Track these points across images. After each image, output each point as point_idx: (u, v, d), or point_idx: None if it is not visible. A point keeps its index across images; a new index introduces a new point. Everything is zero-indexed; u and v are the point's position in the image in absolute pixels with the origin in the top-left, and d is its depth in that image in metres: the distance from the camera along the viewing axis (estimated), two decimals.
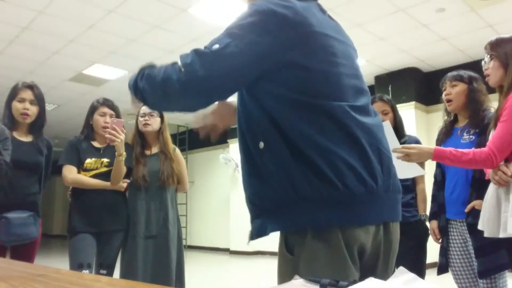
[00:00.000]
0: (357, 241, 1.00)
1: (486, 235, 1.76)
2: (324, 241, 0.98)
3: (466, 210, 1.99)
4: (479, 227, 1.82)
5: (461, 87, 2.15)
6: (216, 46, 1.02)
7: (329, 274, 0.95)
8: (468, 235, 2.03)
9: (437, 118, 6.08)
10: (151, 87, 1.10)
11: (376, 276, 1.04)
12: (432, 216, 2.27)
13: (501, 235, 1.67)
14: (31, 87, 2.45)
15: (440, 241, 2.23)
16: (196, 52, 1.04)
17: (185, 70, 1.03)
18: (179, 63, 1.06)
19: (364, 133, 1.04)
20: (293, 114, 1.02)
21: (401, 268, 0.60)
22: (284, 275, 1.02)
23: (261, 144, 1.05)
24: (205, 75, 1.02)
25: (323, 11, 1.19)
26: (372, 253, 1.05)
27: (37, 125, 2.48)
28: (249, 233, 1.11)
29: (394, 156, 1.86)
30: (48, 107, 8.32)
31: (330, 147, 1.00)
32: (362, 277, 1.00)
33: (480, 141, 1.95)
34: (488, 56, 1.87)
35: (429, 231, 2.32)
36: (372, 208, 1.02)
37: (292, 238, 1.02)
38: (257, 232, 1.07)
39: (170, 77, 1.05)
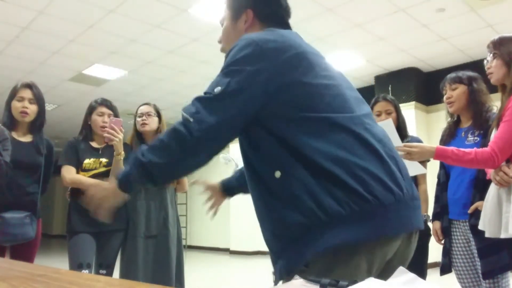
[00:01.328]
0: (387, 253, 0.97)
1: (487, 235, 1.76)
2: (363, 255, 0.94)
3: (469, 211, 1.99)
4: (480, 227, 1.81)
5: (461, 89, 2.15)
6: (218, 88, 1.01)
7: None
8: (471, 236, 2.03)
9: (437, 118, 6.09)
10: (160, 154, 1.03)
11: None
12: (435, 217, 2.27)
13: (503, 235, 1.67)
14: (30, 86, 2.45)
15: (442, 241, 2.22)
16: (199, 100, 1.02)
17: (194, 120, 1.00)
18: (184, 115, 1.02)
19: (377, 142, 1.03)
20: (306, 132, 0.99)
21: (401, 268, 0.60)
22: None
23: (277, 173, 1.00)
24: (216, 120, 0.99)
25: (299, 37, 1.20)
26: (396, 263, 1.01)
27: (36, 125, 2.48)
28: (275, 276, 1.02)
29: None
30: (48, 107, 8.32)
31: (351, 159, 0.97)
32: None
33: (485, 142, 1.94)
34: (491, 54, 1.87)
35: (431, 232, 2.32)
36: (402, 216, 0.99)
37: (316, 259, 0.94)
38: (287, 272, 0.97)
39: (180, 134, 1.00)
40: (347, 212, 0.92)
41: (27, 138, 2.44)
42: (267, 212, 1.05)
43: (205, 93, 1.03)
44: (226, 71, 1.04)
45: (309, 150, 0.98)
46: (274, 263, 1.04)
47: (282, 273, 0.99)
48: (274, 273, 1.03)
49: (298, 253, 0.95)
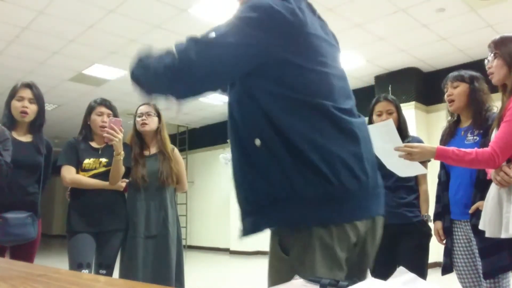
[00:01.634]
0: (350, 237, 1.02)
1: (487, 235, 1.76)
2: (320, 239, 0.99)
3: (470, 211, 1.99)
4: (480, 227, 1.81)
5: (462, 87, 2.15)
6: (213, 34, 1.03)
7: (325, 272, 0.97)
8: (473, 236, 2.03)
9: (437, 118, 6.09)
10: (145, 74, 1.10)
11: (362, 268, 1.12)
12: (436, 217, 2.27)
13: (503, 235, 1.67)
14: (30, 86, 2.46)
15: (444, 242, 2.23)
16: (192, 39, 1.04)
17: (179, 56, 1.03)
18: (174, 50, 1.05)
19: (354, 130, 1.07)
20: (288, 111, 1.03)
21: (401, 268, 0.60)
22: (279, 276, 1.01)
23: (257, 141, 1.05)
24: (197, 60, 1.02)
25: (313, 11, 1.22)
26: (360, 246, 1.07)
27: (36, 124, 2.48)
28: (241, 230, 1.11)
29: (396, 154, 1.87)
30: (48, 107, 8.32)
31: (324, 143, 1.01)
32: (349, 270, 1.05)
33: (485, 142, 1.94)
34: (492, 54, 1.87)
35: (432, 231, 2.32)
36: (365, 202, 1.05)
37: (287, 238, 1.03)
38: (252, 229, 1.07)
39: (164, 64, 1.04)
40: (311, 193, 0.99)
41: (27, 138, 2.44)
42: (242, 177, 1.11)
43: (201, 35, 1.05)
44: (229, 22, 1.05)
45: (288, 128, 1.02)
46: (242, 219, 1.11)
47: (248, 228, 1.08)
48: (241, 229, 1.10)
49: (265, 216, 1.05)
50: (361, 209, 1.04)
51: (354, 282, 0.57)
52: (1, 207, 2.27)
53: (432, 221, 2.34)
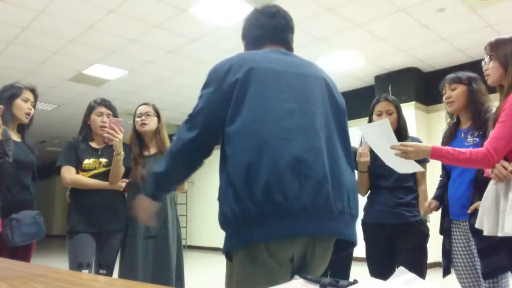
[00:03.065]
0: (279, 253, 1.18)
1: (485, 233, 1.76)
2: (250, 255, 1.19)
3: (469, 211, 1.99)
4: (477, 225, 1.82)
5: (460, 89, 2.16)
6: (191, 111, 1.33)
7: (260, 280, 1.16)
8: (471, 236, 2.03)
9: (437, 118, 6.09)
10: (160, 165, 1.39)
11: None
12: (434, 198, 2.29)
13: (499, 233, 1.68)
14: (34, 90, 2.49)
15: (430, 205, 2.24)
16: (184, 121, 1.34)
17: (176, 137, 1.34)
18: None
19: (284, 154, 1.19)
20: (230, 144, 1.25)
21: (401, 268, 0.60)
22: (228, 277, 1.32)
23: (222, 174, 1.30)
24: (191, 135, 1.29)
25: (285, 54, 1.44)
26: (300, 261, 1.22)
27: (25, 126, 2.50)
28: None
29: (392, 153, 1.89)
30: (48, 107, 8.32)
31: (244, 168, 1.19)
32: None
33: (484, 143, 1.95)
34: (488, 56, 1.88)
35: (432, 232, 2.32)
36: (284, 224, 1.16)
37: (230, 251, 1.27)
38: (225, 247, 1.30)
39: (170, 149, 1.38)
40: (237, 216, 1.18)
41: (18, 138, 2.46)
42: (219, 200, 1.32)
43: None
44: (198, 96, 1.35)
45: (229, 160, 1.24)
46: None
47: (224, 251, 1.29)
48: None
49: (225, 241, 1.28)
50: (294, 228, 1.17)
51: (354, 282, 0.57)
52: (11, 208, 2.29)
53: (430, 221, 2.34)
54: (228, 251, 1.27)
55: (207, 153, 1.36)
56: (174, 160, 1.34)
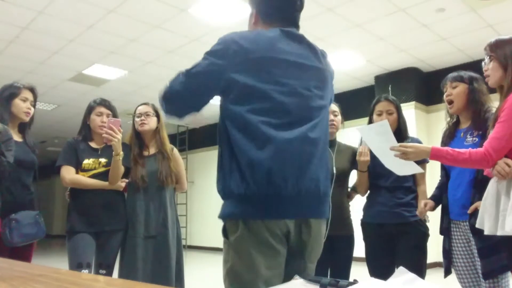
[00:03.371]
0: (275, 229, 1.28)
1: (486, 232, 1.76)
2: (250, 229, 1.27)
3: (469, 211, 1.99)
4: (477, 225, 1.82)
5: (461, 87, 2.16)
6: (190, 67, 1.38)
7: (255, 253, 1.27)
8: (471, 236, 2.03)
9: (437, 118, 6.09)
10: (161, 96, 1.44)
11: (302, 260, 1.37)
12: (431, 198, 2.29)
13: (499, 232, 1.68)
14: (33, 90, 2.49)
15: (426, 206, 2.24)
16: (181, 72, 1.39)
17: (169, 85, 1.40)
18: (172, 78, 1.40)
19: (282, 143, 1.29)
20: (232, 122, 1.32)
21: (401, 268, 0.60)
22: (225, 256, 1.35)
23: (219, 149, 1.39)
24: (179, 89, 1.37)
25: (292, 38, 1.43)
26: (296, 240, 1.33)
27: (26, 125, 2.51)
28: None
29: (392, 154, 1.89)
30: (48, 107, 8.32)
31: (249, 151, 1.28)
32: (291, 257, 1.34)
33: (484, 143, 1.95)
34: (488, 57, 1.88)
35: (431, 231, 2.32)
36: (282, 205, 1.29)
37: (228, 226, 1.34)
38: (220, 215, 1.39)
39: (164, 90, 1.41)
40: (239, 192, 1.28)
41: (19, 138, 2.46)
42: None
43: (187, 69, 1.38)
44: (203, 56, 1.39)
45: (233, 138, 1.31)
46: None
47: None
48: None
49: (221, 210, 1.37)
50: (282, 210, 1.29)
51: (355, 282, 0.57)
52: (11, 208, 2.29)
53: (429, 221, 2.34)
54: (225, 228, 1.35)
55: (185, 111, 1.43)
56: (163, 97, 1.42)
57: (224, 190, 1.34)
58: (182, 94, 1.37)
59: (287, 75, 1.35)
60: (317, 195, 1.35)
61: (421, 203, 2.26)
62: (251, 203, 1.27)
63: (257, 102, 1.31)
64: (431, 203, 2.25)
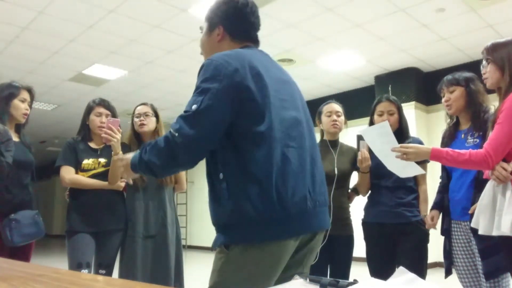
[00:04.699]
0: (290, 248, 1.25)
1: (480, 232, 1.78)
2: (263, 250, 1.22)
3: (470, 211, 2.00)
4: (472, 224, 1.83)
5: (458, 91, 2.17)
6: (195, 106, 1.22)
7: (264, 271, 1.23)
8: (472, 236, 2.03)
9: (437, 118, 6.09)
10: (158, 155, 1.27)
11: (300, 266, 1.35)
12: (434, 206, 2.30)
13: (494, 232, 1.69)
14: (30, 90, 2.49)
15: (433, 222, 2.25)
16: (181, 117, 1.24)
17: (178, 134, 1.22)
18: (171, 131, 1.24)
19: (295, 163, 1.27)
20: (249, 142, 1.23)
21: (401, 268, 0.60)
22: (222, 267, 1.26)
23: (221, 175, 1.26)
24: (195, 132, 1.21)
25: (266, 56, 1.45)
26: (303, 252, 1.33)
27: (21, 125, 2.51)
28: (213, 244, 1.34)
29: (393, 155, 1.89)
30: (48, 107, 8.32)
31: (270, 171, 1.21)
32: (290, 265, 1.30)
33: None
34: (485, 60, 1.91)
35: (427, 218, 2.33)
36: (305, 221, 1.27)
37: (233, 246, 1.25)
38: (214, 244, 1.31)
39: (170, 143, 1.23)
40: (260, 215, 1.20)
41: (16, 137, 2.46)
42: (211, 204, 1.33)
43: (185, 111, 1.24)
44: (200, 89, 1.26)
45: (249, 158, 1.22)
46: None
47: (214, 244, 1.30)
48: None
49: (220, 237, 1.28)
50: (303, 226, 1.28)
51: (355, 282, 0.57)
52: (10, 208, 2.29)
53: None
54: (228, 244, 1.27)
55: (203, 156, 1.29)
56: (169, 154, 1.25)
57: (231, 216, 1.24)
58: (196, 137, 1.21)
59: (282, 92, 1.36)
60: (326, 207, 1.40)
61: (428, 219, 2.27)
62: (274, 223, 1.21)
63: (266, 117, 1.25)
64: (436, 214, 2.26)
